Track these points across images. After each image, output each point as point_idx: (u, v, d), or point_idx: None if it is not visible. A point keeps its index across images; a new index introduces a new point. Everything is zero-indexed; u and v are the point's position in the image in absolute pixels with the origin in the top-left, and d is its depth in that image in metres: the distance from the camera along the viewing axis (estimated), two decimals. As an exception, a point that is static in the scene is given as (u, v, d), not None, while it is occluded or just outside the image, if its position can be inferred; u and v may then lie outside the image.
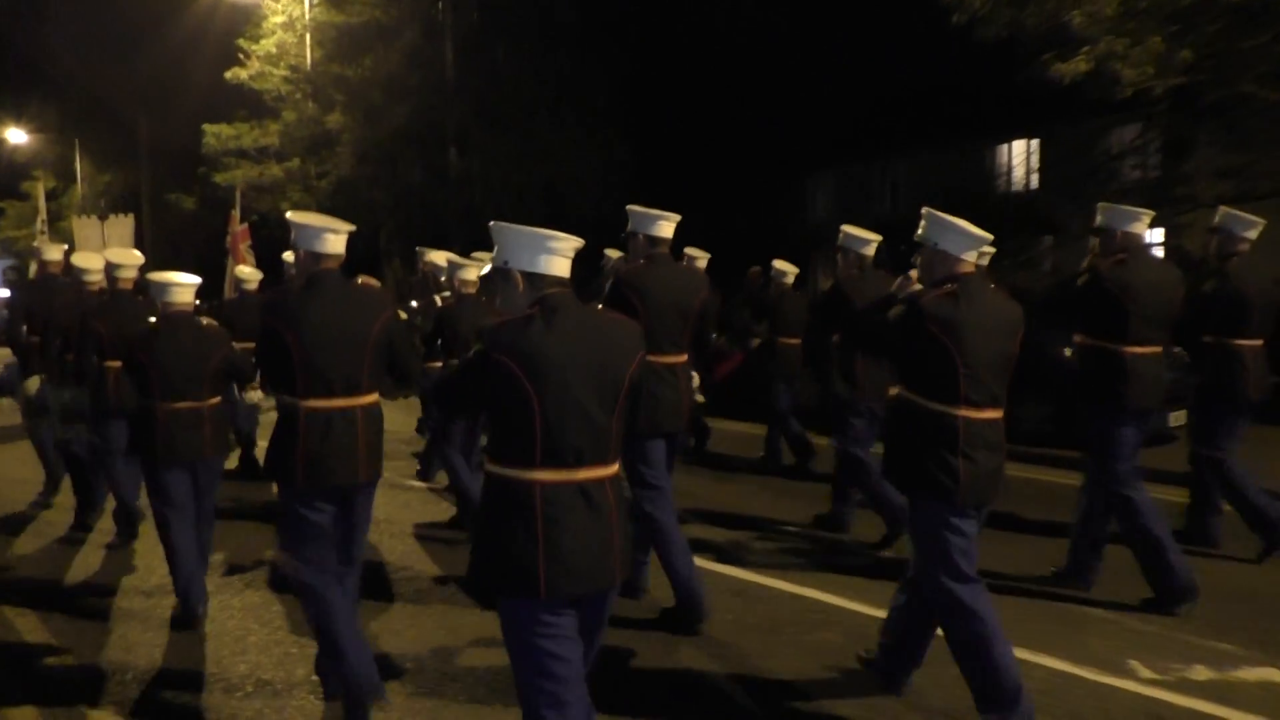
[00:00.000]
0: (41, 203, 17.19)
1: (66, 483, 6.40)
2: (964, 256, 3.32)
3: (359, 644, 3.32)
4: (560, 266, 2.48)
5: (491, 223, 2.57)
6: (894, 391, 3.47)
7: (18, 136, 33.17)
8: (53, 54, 31.34)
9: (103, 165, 33.45)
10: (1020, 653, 3.41)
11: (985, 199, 19.15)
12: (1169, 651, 3.93)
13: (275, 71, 22.49)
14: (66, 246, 7.18)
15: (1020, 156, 21.53)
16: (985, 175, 21.92)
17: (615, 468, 2.49)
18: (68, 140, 32.88)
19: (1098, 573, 4.64)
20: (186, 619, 4.37)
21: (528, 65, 21.68)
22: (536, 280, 2.46)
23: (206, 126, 22.76)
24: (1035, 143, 21.25)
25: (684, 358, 4.23)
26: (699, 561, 4.40)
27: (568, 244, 2.48)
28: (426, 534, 5.90)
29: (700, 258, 6.82)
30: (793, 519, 6.07)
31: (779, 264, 7.69)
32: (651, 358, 3.96)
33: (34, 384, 6.13)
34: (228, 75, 22.37)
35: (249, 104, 22.87)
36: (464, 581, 2.52)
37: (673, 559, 4.19)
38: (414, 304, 6.52)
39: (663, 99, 22.67)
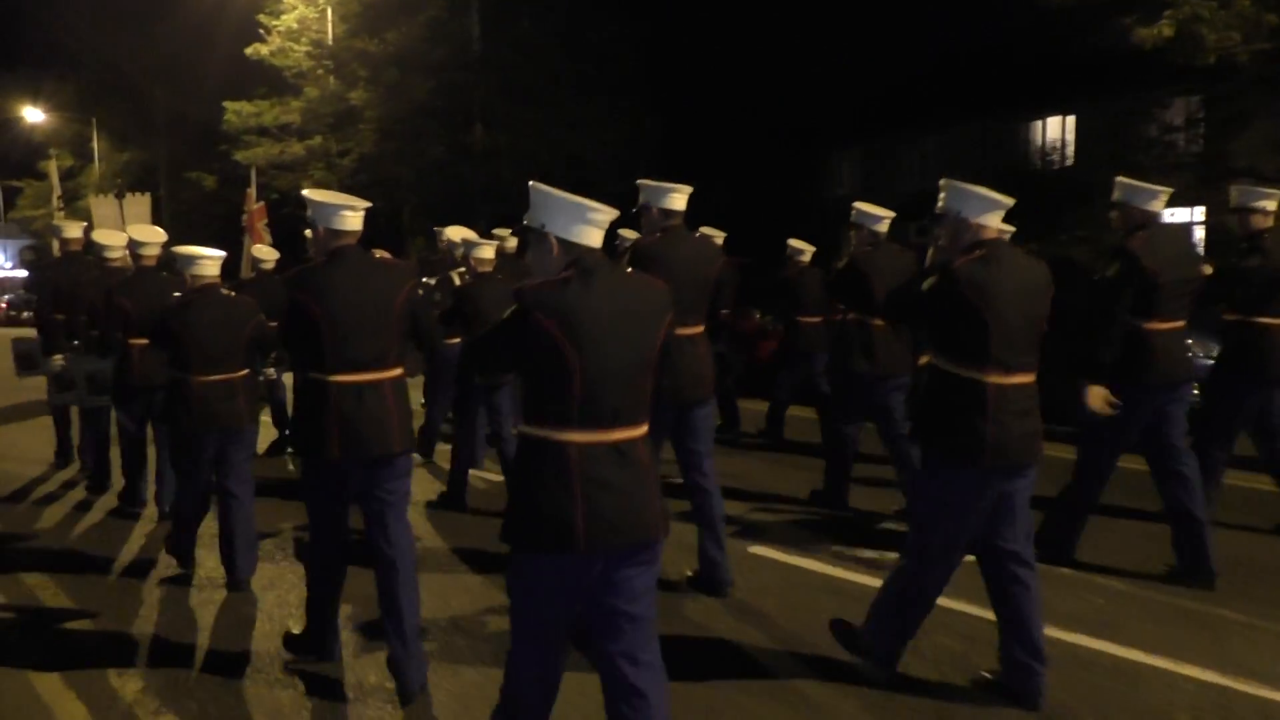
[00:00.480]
0: (55, 179, 17.49)
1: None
2: (986, 222, 3.41)
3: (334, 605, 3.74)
4: (595, 237, 2.56)
5: (531, 183, 2.66)
6: (924, 360, 3.60)
7: (34, 115, 33.63)
8: (70, 30, 31.76)
9: (120, 143, 33.93)
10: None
11: (1021, 174, 19.00)
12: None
13: (296, 47, 22.80)
14: (86, 224, 7.45)
15: (1057, 131, 21.31)
16: (1020, 150, 21.73)
17: (646, 427, 2.58)
18: (85, 118, 33.27)
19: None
20: (234, 584, 4.67)
21: (555, 36, 21.82)
22: (571, 248, 2.54)
23: (227, 103, 23.12)
24: (1071, 119, 21.03)
25: (701, 328, 4.37)
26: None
27: (605, 215, 2.56)
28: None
29: (716, 236, 7.01)
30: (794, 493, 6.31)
31: (795, 242, 7.86)
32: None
33: (58, 362, 6.29)
34: (248, 51, 22.69)
35: (269, 81, 23.20)
36: (500, 538, 2.55)
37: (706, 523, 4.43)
38: (431, 281, 6.63)
39: (689, 71, 22.82)
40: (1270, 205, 4.97)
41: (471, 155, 22.08)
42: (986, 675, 3.56)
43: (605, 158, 21.49)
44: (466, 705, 3.45)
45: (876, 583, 3.80)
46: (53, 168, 17.15)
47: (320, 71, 22.83)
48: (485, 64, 21.94)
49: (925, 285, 3.44)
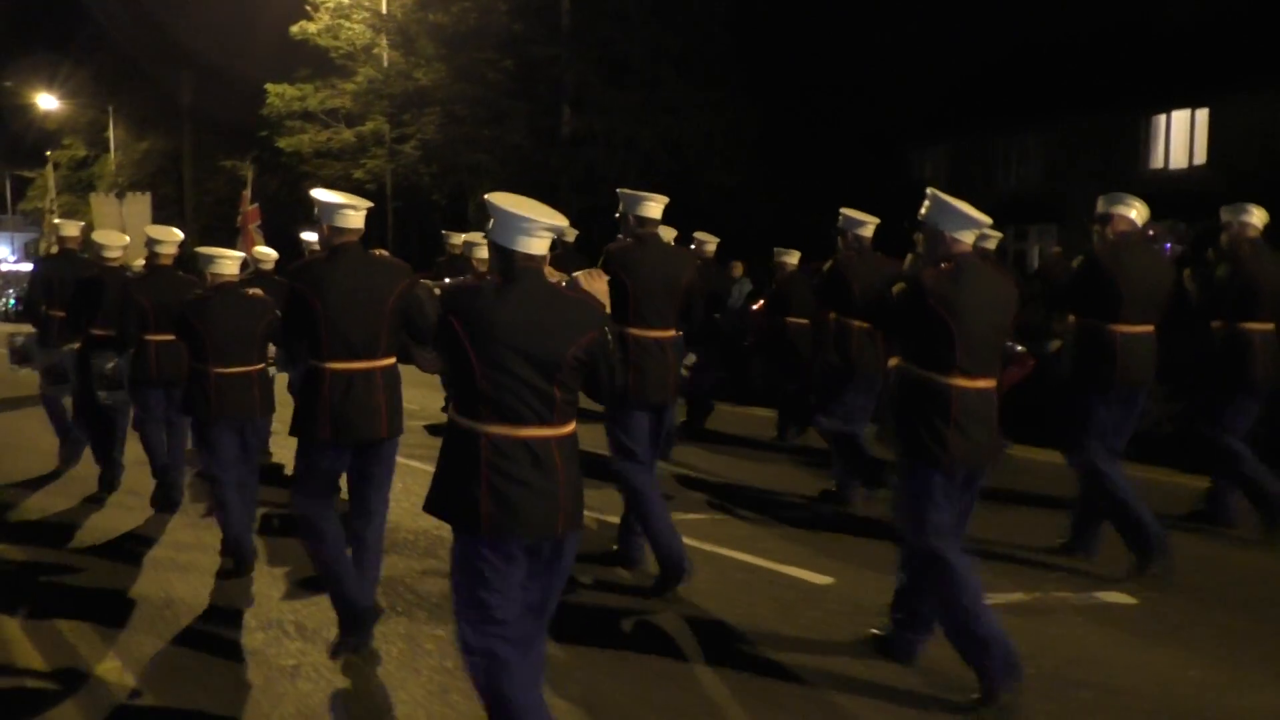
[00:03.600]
0: (51, 182, 19.28)
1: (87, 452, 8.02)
2: (960, 237, 4.37)
3: (351, 572, 4.58)
4: (531, 245, 3.29)
5: (485, 196, 3.43)
6: (893, 362, 4.59)
7: (48, 102, 35.77)
8: (86, 10, 33.80)
9: (139, 132, 36.04)
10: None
11: (1143, 174, 19.52)
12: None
13: (349, 24, 23.92)
14: (84, 223, 9.11)
15: (1184, 127, 21.82)
16: (1136, 149, 22.24)
17: (565, 429, 3.33)
18: (101, 105, 35.36)
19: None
20: (240, 569, 5.78)
21: (652, 11, 22.47)
22: (505, 254, 3.31)
23: (269, 86, 24.57)
24: (1204, 112, 21.48)
25: (671, 333, 5.47)
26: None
27: (540, 225, 3.29)
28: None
29: (709, 242, 8.73)
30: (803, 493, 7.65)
31: (781, 250, 9.45)
32: (639, 332, 5.28)
33: (50, 355, 7.77)
34: (293, 30, 23.90)
35: (312, 62, 24.52)
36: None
37: (652, 525, 5.38)
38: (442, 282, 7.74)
39: (783, 57, 23.73)
40: (1255, 220, 6.23)
41: (558, 141, 22.68)
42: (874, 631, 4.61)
43: (705, 147, 22.24)
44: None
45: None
46: (49, 170, 18.94)
47: (377, 49, 23.98)
48: (576, 38, 22.54)
49: (894, 291, 4.44)
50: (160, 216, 35.57)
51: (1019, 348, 8.97)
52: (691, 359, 5.88)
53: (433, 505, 3.37)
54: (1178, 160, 22.14)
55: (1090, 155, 22.84)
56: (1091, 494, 5.78)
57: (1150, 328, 5.66)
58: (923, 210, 4.40)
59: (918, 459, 4.31)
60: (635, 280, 5.22)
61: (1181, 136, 22.13)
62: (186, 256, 6.86)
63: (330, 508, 4.63)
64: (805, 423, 9.02)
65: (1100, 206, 5.72)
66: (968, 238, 4.34)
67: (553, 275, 3.79)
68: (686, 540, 5.51)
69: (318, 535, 4.57)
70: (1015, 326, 4.52)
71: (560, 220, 3.38)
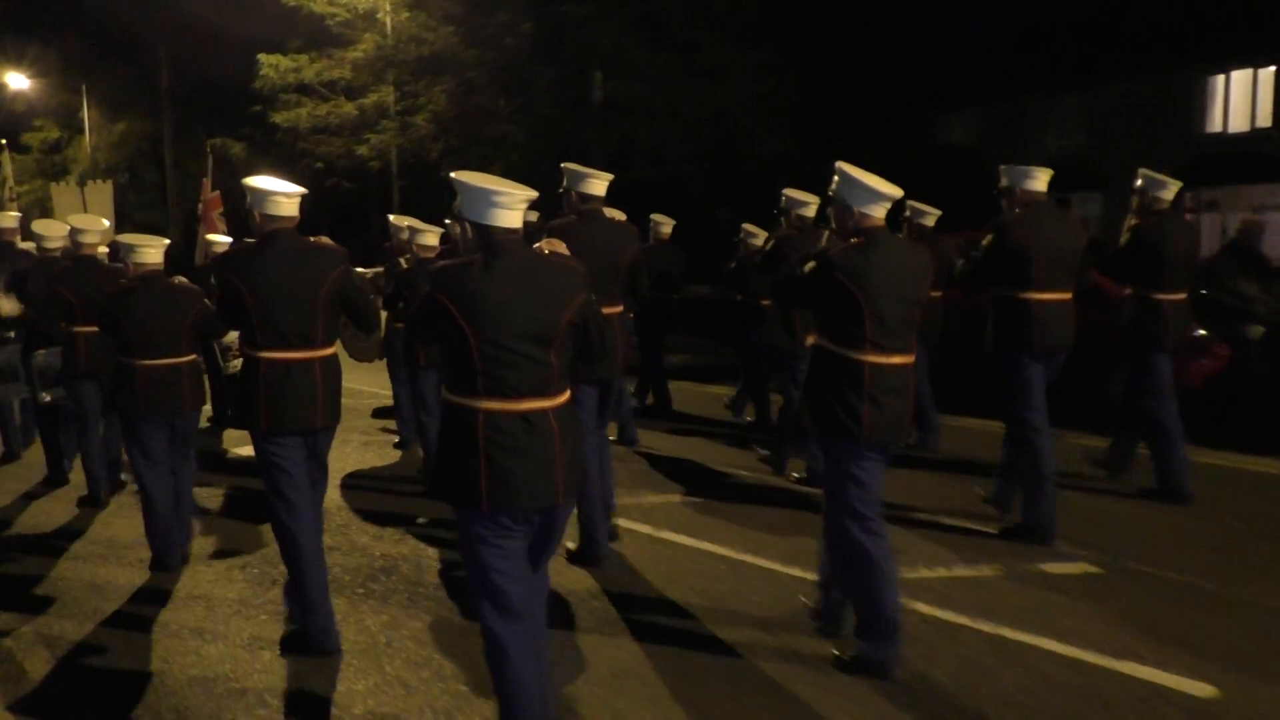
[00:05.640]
0: (9, 169, 20.03)
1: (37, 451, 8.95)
2: (870, 211, 4.88)
3: (321, 582, 5.13)
4: (508, 219, 3.75)
5: (451, 173, 3.89)
6: (810, 340, 5.16)
7: (19, 82, 36.61)
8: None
9: (114, 113, 36.88)
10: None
11: (1191, 138, 19.66)
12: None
13: None
14: (20, 214, 9.84)
15: (1245, 87, 21.94)
16: (1190, 111, 22.36)
17: (561, 398, 3.83)
18: (73, 85, 36.20)
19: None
20: (160, 565, 6.40)
21: None
22: (484, 230, 3.76)
23: (263, 57, 24.98)
24: (1268, 71, 21.59)
25: (618, 308, 6.18)
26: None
27: (514, 198, 3.74)
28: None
29: (665, 224, 9.78)
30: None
31: (749, 227, 10.29)
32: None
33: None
34: None
35: (305, 32, 24.91)
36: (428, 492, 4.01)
37: (583, 501, 6.08)
38: (375, 270, 8.31)
39: (818, 18, 24.21)
40: (1167, 195, 7.21)
41: (589, 109, 22.90)
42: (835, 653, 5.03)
43: (750, 115, 22.53)
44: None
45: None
46: (5, 159, 19.65)
47: (381, 14, 24.31)
48: (609, -4, 23.07)
49: (806, 269, 5.00)
50: (142, 201, 36.64)
51: (1203, 333, 9.61)
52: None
53: (435, 489, 3.89)
54: (1238, 123, 22.48)
55: (1137, 118, 22.96)
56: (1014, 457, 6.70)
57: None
58: (832, 186, 4.92)
59: (833, 434, 4.81)
60: (577, 257, 5.67)
61: (1243, 97, 22.37)
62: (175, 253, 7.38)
63: (304, 512, 5.09)
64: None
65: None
66: (878, 211, 4.87)
67: None
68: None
69: (292, 545, 5.07)
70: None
71: (532, 192, 3.83)
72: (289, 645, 5.20)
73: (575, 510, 6.00)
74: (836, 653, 4.91)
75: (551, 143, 22.64)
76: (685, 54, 22.29)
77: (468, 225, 3.79)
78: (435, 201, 26.21)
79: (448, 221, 8.49)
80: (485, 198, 3.71)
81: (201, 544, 6.84)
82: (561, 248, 4.24)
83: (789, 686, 4.70)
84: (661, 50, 22.19)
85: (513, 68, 23.00)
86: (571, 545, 6.34)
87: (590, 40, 21.78)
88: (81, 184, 17.83)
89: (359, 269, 8.90)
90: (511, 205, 3.73)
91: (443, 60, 23.47)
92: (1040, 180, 6.62)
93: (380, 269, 8.60)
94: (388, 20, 24.26)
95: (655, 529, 6.99)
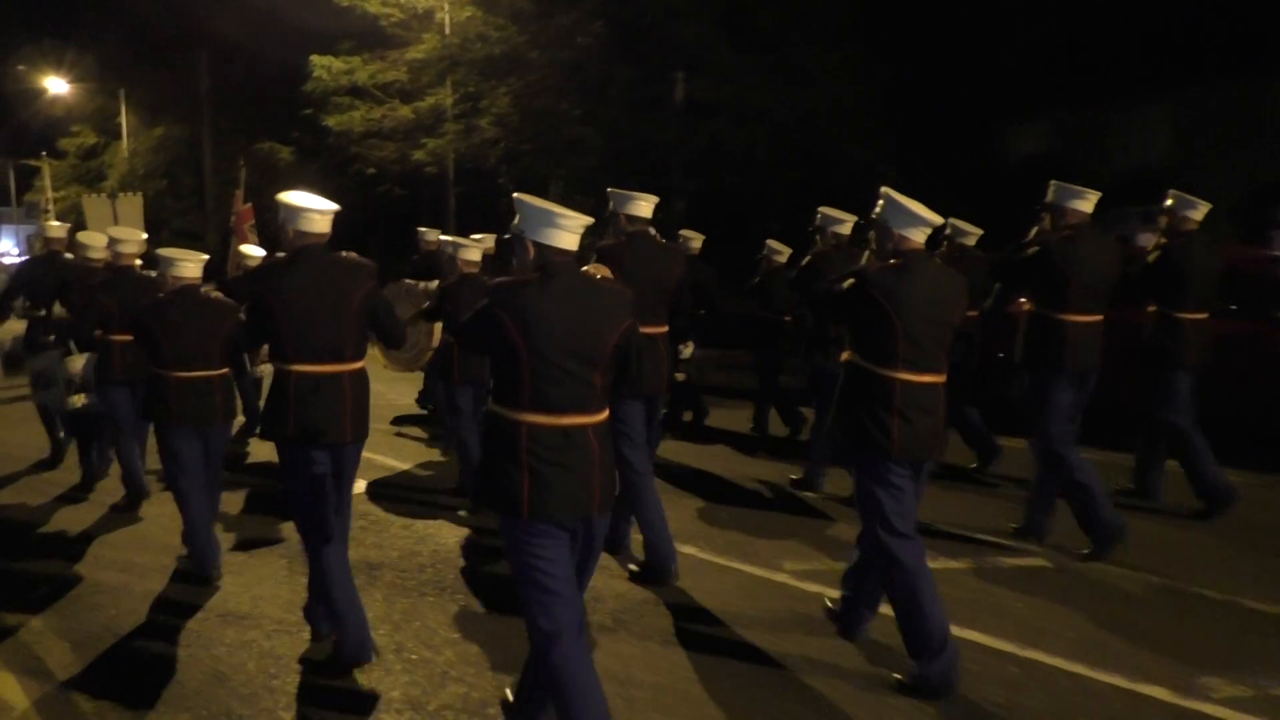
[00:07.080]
0: (47, 182, 20.88)
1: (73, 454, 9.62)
2: (910, 235, 5.36)
3: (351, 595, 5.48)
4: (567, 241, 4.20)
5: (514, 194, 4.37)
6: (845, 356, 5.62)
7: (58, 86, 37.86)
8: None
9: (152, 117, 38.21)
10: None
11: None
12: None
13: None
14: (69, 225, 10.67)
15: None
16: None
17: (600, 416, 4.26)
18: (111, 89, 37.28)
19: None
20: (202, 575, 6.85)
21: None
22: (544, 250, 4.20)
23: (315, 58, 25.39)
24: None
25: (664, 329, 6.70)
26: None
27: (575, 221, 4.21)
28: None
29: (694, 239, 10.42)
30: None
31: (772, 243, 11.36)
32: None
33: (42, 359, 8.76)
34: None
35: (356, 33, 25.33)
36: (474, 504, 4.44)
37: (645, 514, 6.58)
38: (420, 285, 8.66)
39: (901, 19, 24.03)
40: (1197, 215, 7.80)
41: (670, 113, 22.90)
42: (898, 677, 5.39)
43: (841, 119, 22.42)
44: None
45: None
46: (46, 171, 20.54)
47: (440, 14, 24.36)
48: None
49: (844, 286, 5.48)
50: (180, 207, 37.63)
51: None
52: (690, 352, 7.52)
53: (481, 499, 4.32)
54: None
55: (1225, 128, 22.82)
56: (1049, 477, 7.18)
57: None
58: (875, 209, 5.42)
59: (865, 448, 5.27)
60: (627, 278, 6.02)
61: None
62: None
63: (331, 527, 5.43)
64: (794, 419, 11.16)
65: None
66: (917, 236, 5.39)
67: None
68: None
69: (319, 561, 5.41)
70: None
71: (589, 219, 4.28)
72: (316, 658, 5.52)
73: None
74: (899, 677, 5.22)
75: (626, 146, 22.79)
76: (774, 53, 22.02)
77: (529, 244, 4.19)
78: (490, 209, 26.64)
79: (474, 236, 8.92)
80: (547, 219, 4.16)
81: (227, 543, 7.33)
82: (607, 273, 4.59)
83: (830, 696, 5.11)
84: (748, 49, 21.92)
85: (585, 67, 22.96)
86: (634, 567, 6.79)
87: (675, 36, 21.73)
88: (113, 196, 18.68)
89: (421, 282, 9.60)
90: (571, 228, 4.18)
91: (510, 60, 23.59)
92: (1089, 202, 7.17)
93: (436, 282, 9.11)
94: (446, 20, 24.32)
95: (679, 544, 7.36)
